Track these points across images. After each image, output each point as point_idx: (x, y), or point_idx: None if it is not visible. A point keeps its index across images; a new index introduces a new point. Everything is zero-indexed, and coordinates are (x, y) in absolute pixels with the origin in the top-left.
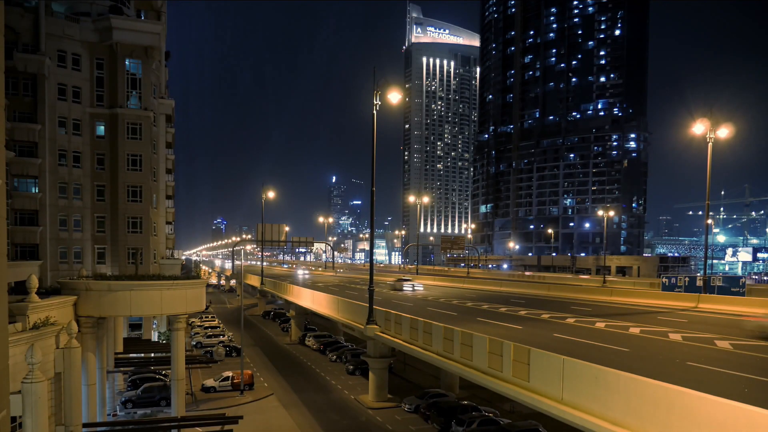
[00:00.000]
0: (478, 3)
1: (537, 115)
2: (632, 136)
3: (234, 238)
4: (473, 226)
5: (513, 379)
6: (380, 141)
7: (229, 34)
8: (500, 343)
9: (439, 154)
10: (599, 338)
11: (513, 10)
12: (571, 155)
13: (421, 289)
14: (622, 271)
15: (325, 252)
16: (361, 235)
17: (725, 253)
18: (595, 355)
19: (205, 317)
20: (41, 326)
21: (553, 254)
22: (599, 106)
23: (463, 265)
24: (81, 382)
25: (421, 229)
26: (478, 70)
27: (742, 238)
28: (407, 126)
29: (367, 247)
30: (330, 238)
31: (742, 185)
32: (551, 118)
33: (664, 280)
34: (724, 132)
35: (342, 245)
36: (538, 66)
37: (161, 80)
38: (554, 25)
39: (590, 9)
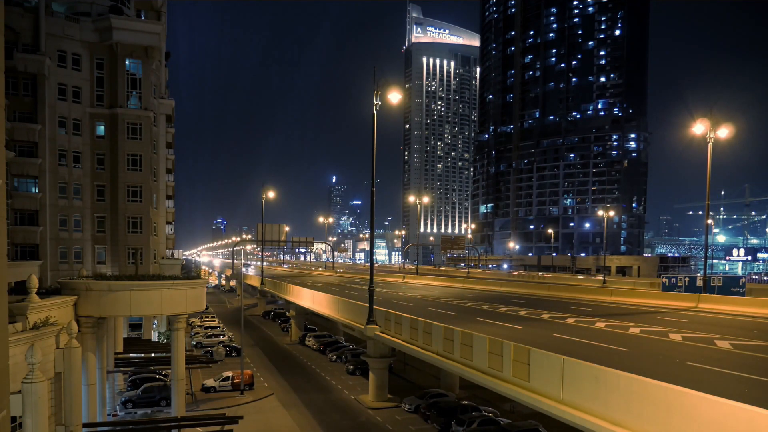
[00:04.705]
0: (478, 3)
1: (537, 115)
2: (632, 136)
3: (234, 238)
4: (473, 226)
5: (513, 379)
6: (380, 141)
7: (229, 34)
8: (500, 343)
9: (439, 154)
10: (599, 338)
11: (513, 10)
12: (571, 155)
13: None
14: (622, 271)
15: (325, 252)
16: (361, 235)
17: (725, 253)
18: (595, 355)
19: (205, 317)
20: (41, 326)
21: (553, 254)
22: (599, 106)
23: (463, 265)
24: (81, 382)
25: (421, 229)
26: (478, 70)
27: (742, 238)
28: (407, 126)
29: (367, 247)
30: (330, 238)
31: (742, 185)
32: (551, 118)
33: (664, 280)
34: (724, 132)
35: (342, 245)
36: (538, 66)
37: (161, 80)
38: (554, 25)
39: (590, 9)
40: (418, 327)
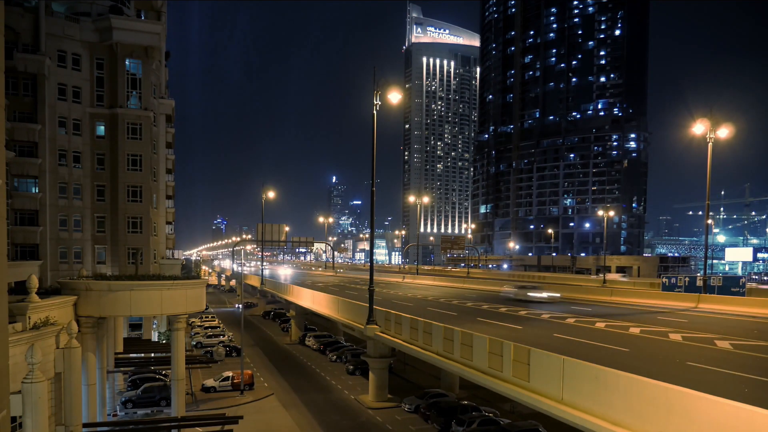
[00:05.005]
0: (478, 3)
1: (537, 115)
2: (632, 136)
3: (234, 238)
4: (473, 226)
5: (513, 379)
6: (380, 141)
7: (229, 34)
8: (500, 343)
9: (439, 154)
10: (599, 338)
11: (513, 10)
12: (571, 155)
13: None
14: (622, 271)
15: (325, 252)
16: (361, 235)
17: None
18: (595, 355)
19: (205, 317)
20: (41, 326)
21: (553, 254)
22: (599, 106)
23: (463, 265)
24: (81, 382)
25: (421, 229)
26: (478, 70)
27: (742, 238)
28: (407, 126)
29: (367, 247)
30: (330, 238)
31: (742, 185)
32: (551, 118)
33: (664, 280)
34: (724, 132)
35: (342, 245)
36: (538, 66)
37: (161, 80)
38: (554, 25)
39: (590, 9)
40: (418, 327)
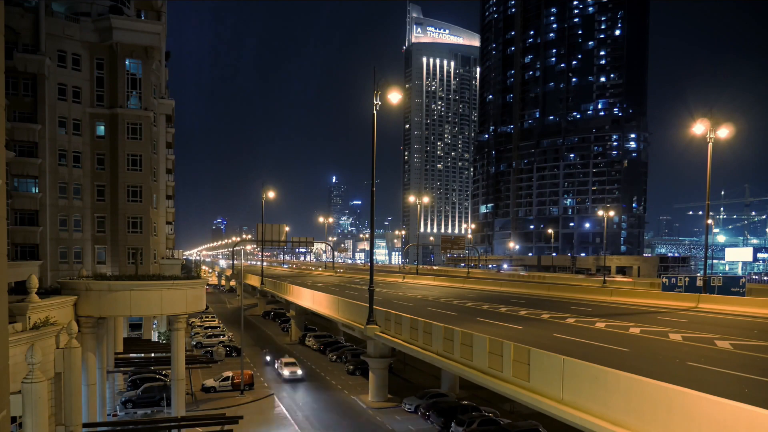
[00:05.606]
0: (478, 3)
1: (537, 115)
2: (632, 136)
3: (234, 238)
4: (473, 226)
5: (513, 379)
6: (380, 141)
7: (229, 34)
8: (500, 343)
9: (439, 154)
10: (599, 338)
11: (513, 10)
12: (571, 155)
13: None
14: (622, 271)
15: (325, 252)
16: (361, 235)
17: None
18: (595, 355)
19: (205, 317)
20: (41, 326)
21: (553, 254)
22: (599, 106)
23: (463, 265)
24: (81, 382)
25: (421, 229)
26: (478, 70)
27: (742, 238)
28: (407, 126)
29: (367, 247)
30: (330, 238)
31: (742, 185)
32: (551, 118)
33: (664, 280)
34: (724, 132)
35: (342, 245)
36: (538, 66)
37: (161, 80)
38: (554, 25)
39: (590, 9)
40: (418, 327)
